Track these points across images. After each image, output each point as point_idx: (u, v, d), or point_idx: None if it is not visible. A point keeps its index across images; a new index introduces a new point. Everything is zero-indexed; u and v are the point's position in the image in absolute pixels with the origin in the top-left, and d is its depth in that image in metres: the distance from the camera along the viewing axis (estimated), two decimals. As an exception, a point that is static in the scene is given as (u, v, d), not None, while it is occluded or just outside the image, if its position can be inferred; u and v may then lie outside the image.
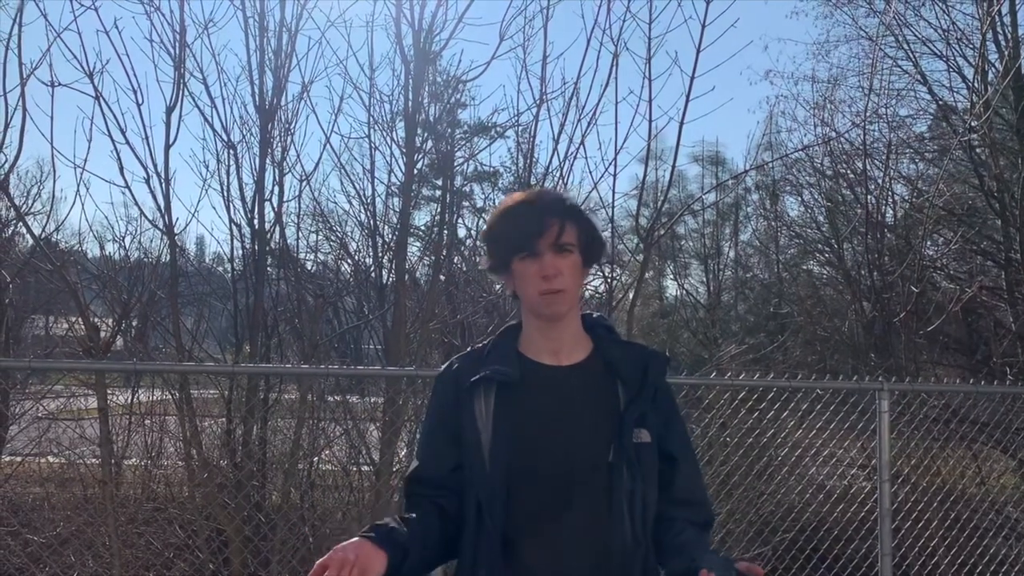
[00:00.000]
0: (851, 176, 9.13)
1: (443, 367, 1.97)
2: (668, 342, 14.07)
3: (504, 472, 1.75)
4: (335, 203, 8.59)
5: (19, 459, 6.59)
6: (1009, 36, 8.90)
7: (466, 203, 10.61)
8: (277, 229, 6.13)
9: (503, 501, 1.74)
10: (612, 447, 1.78)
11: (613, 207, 6.12)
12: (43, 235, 6.48)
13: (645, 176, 6.83)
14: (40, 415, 6.82)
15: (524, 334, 1.93)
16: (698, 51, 5.46)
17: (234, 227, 6.05)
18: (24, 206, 9.22)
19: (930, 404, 5.43)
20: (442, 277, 7.02)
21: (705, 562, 1.63)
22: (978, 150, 8.69)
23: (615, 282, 6.70)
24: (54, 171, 5.63)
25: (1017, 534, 5.71)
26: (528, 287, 1.84)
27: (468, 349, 1.99)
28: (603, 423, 1.81)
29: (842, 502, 5.45)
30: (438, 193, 9.72)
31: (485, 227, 1.96)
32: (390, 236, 7.01)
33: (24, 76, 5.08)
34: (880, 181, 8.63)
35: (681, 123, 5.60)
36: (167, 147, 5.43)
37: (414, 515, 1.79)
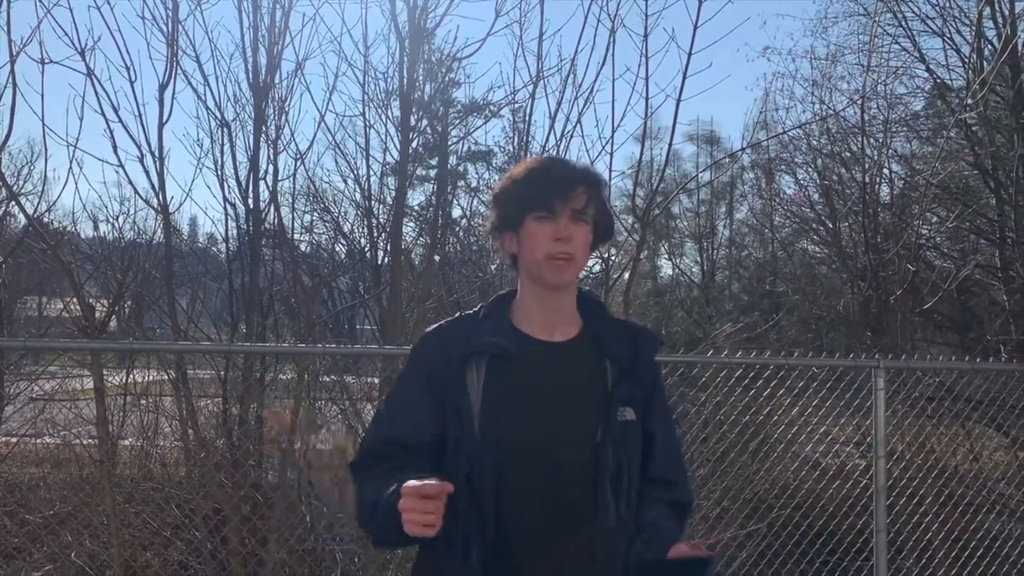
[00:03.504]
0: (847, 155, 9.13)
1: (429, 330, 1.89)
2: (662, 321, 14.09)
3: (495, 445, 1.73)
4: (329, 183, 8.55)
5: (15, 440, 6.59)
6: (1006, 12, 8.86)
7: (460, 183, 10.57)
8: (272, 208, 6.10)
9: (493, 474, 1.72)
10: (599, 427, 1.77)
11: (610, 186, 6.10)
12: (36, 215, 6.42)
13: (642, 155, 6.80)
14: (35, 396, 6.81)
15: (519, 304, 1.88)
16: (695, 27, 5.42)
17: (228, 206, 6.01)
18: (15, 186, 9.14)
19: (925, 382, 5.46)
20: (436, 257, 7.00)
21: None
22: (974, 128, 8.68)
23: (611, 261, 6.70)
24: (46, 150, 5.56)
25: (1010, 510, 5.76)
26: (537, 248, 1.78)
27: (457, 315, 1.93)
28: (591, 402, 1.80)
29: (837, 479, 5.48)
30: (432, 173, 9.69)
31: (499, 185, 1.90)
32: (385, 216, 6.99)
33: (14, 53, 5.01)
34: (876, 159, 8.63)
35: (678, 100, 5.57)
36: (160, 125, 5.37)
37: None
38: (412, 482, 1.53)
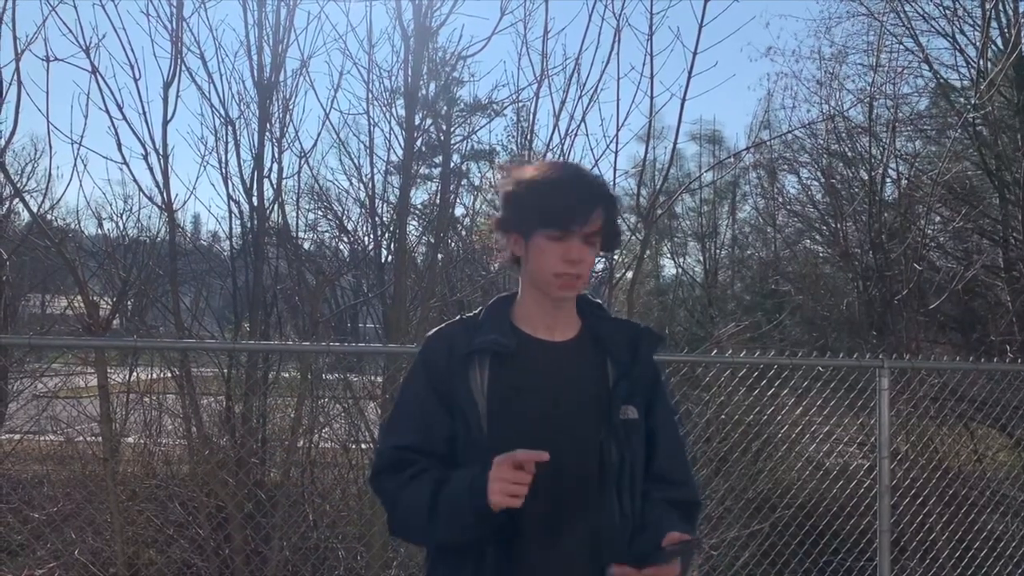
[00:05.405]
0: (850, 155, 9.13)
1: (432, 332, 1.90)
2: (665, 320, 14.09)
3: (500, 445, 1.71)
4: (333, 181, 8.55)
5: (18, 437, 6.59)
6: (1011, 13, 8.85)
7: (464, 181, 10.56)
8: (276, 206, 6.09)
9: None
10: (602, 425, 1.78)
11: (614, 185, 6.08)
12: (40, 212, 6.42)
13: (646, 154, 6.78)
14: (38, 393, 6.81)
15: (520, 306, 1.89)
16: (700, 26, 5.42)
17: (233, 204, 6.01)
18: (20, 183, 9.15)
19: (929, 382, 5.45)
20: (439, 256, 7.00)
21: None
22: (979, 128, 8.67)
23: (615, 261, 6.68)
24: (50, 148, 5.55)
25: (1014, 511, 5.75)
26: (546, 265, 1.78)
27: (458, 317, 1.94)
28: (593, 401, 1.80)
29: (840, 479, 5.48)
30: (436, 171, 9.68)
31: (514, 182, 1.84)
32: (388, 215, 6.98)
33: (19, 51, 5.01)
34: (881, 158, 8.63)
35: (683, 100, 5.55)
36: (165, 123, 5.37)
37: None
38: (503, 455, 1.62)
